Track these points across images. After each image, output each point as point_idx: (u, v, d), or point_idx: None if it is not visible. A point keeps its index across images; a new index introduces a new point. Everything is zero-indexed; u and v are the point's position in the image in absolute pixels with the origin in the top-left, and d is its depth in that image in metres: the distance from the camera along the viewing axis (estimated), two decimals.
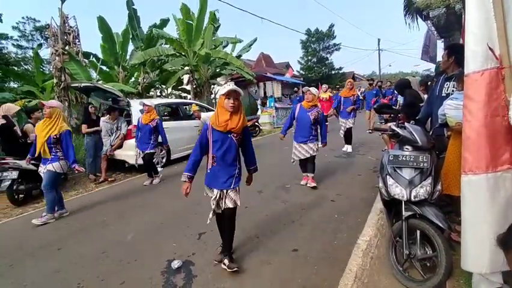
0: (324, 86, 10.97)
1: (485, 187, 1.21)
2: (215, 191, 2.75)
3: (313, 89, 5.13)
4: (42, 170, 4.37)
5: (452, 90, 3.04)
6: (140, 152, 6.07)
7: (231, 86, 2.59)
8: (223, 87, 2.61)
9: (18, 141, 5.61)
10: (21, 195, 5.48)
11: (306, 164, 5.16)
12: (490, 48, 1.13)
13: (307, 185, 5.12)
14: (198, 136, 9.34)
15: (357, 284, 2.53)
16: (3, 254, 3.55)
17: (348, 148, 7.91)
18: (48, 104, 4.37)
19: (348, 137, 7.93)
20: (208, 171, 2.80)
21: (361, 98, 11.43)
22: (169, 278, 2.83)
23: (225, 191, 2.72)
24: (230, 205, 2.72)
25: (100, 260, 3.28)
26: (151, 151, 6.09)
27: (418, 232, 2.46)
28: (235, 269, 2.75)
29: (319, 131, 5.09)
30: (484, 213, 1.20)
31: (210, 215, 2.81)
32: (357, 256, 2.95)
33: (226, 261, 2.83)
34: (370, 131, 9.14)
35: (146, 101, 6.16)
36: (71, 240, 3.80)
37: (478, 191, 1.22)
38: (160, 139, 6.25)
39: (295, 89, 14.28)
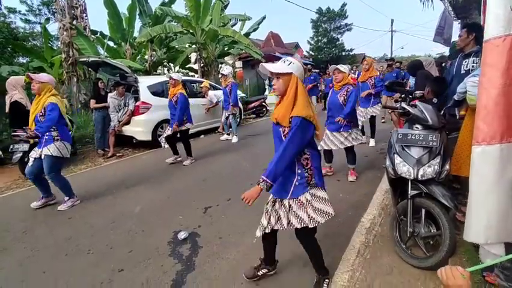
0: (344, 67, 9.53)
1: (498, 157, 1.19)
2: (270, 197, 2.12)
3: (342, 66, 4.25)
4: (36, 154, 3.80)
5: (473, 66, 2.96)
6: (169, 130, 5.69)
7: (260, 65, 1.98)
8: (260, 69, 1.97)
9: (27, 114, 5.66)
10: None
11: (331, 153, 4.60)
12: None
13: (349, 179, 4.45)
14: (205, 114, 9.23)
15: (359, 260, 2.57)
16: (16, 222, 3.68)
17: (370, 142, 6.43)
18: (37, 79, 3.78)
19: (371, 127, 6.40)
20: None
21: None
22: (175, 248, 2.92)
23: (285, 201, 2.03)
24: (285, 223, 2.02)
25: (109, 229, 3.38)
26: (183, 128, 5.72)
27: (423, 211, 2.46)
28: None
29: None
30: (493, 184, 1.19)
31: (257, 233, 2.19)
32: (360, 233, 2.98)
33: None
34: (384, 120, 8.51)
35: (173, 75, 5.67)
36: (81, 211, 3.91)
37: (490, 161, 1.20)
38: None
39: (309, 66, 13.76)
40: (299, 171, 1.96)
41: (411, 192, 2.47)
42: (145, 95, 7.13)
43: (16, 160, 5.22)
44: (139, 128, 7.02)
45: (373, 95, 6.17)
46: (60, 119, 3.84)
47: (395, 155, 2.60)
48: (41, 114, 3.74)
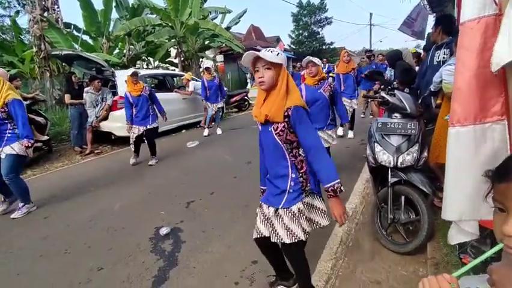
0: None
1: (471, 138, 1.21)
2: (263, 205, 1.87)
3: (316, 59, 3.85)
4: None
5: (443, 57, 3.03)
6: (140, 129, 5.28)
7: (247, 52, 1.66)
8: (244, 57, 1.65)
9: None
10: None
11: None
12: None
13: None
14: (187, 108, 9.09)
15: (342, 247, 2.60)
16: None
17: (349, 134, 6.53)
18: None
19: (351, 120, 6.29)
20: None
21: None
22: (157, 243, 2.85)
23: (279, 210, 1.76)
24: (280, 237, 1.72)
25: (87, 228, 3.27)
26: (154, 125, 5.40)
27: (403, 198, 2.52)
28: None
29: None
30: (468, 164, 1.22)
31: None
32: None
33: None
34: (363, 115, 8.51)
35: (136, 71, 5.35)
36: (57, 210, 3.76)
37: (464, 142, 1.23)
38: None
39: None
40: (293, 176, 1.71)
41: (391, 179, 2.51)
42: (123, 89, 6.90)
43: None
44: (117, 124, 6.81)
45: (356, 87, 6.35)
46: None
47: (375, 144, 2.63)
48: (2, 110, 3.43)
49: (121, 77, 7.02)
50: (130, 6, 12.52)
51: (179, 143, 6.73)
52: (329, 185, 1.61)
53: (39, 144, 5.89)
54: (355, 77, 6.32)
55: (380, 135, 2.64)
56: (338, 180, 1.61)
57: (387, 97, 2.70)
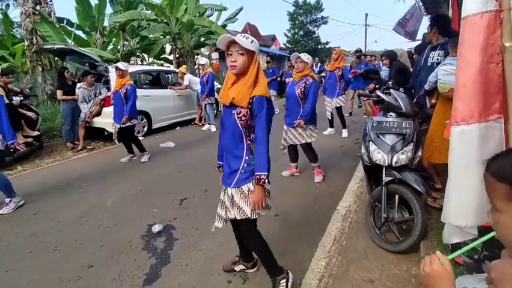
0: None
1: (476, 137, 1.19)
2: (223, 187, 1.99)
3: (306, 55, 3.86)
4: None
5: (437, 59, 3.04)
6: (116, 126, 5.11)
7: (223, 35, 1.75)
8: (219, 39, 1.73)
9: None
10: None
11: (296, 152, 4.24)
12: None
13: (315, 180, 4.07)
14: (181, 105, 9.00)
15: (336, 246, 2.60)
16: None
17: (343, 132, 6.46)
18: None
19: (340, 118, 6.44)
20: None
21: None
22: (149, 241, 2.82)
23: (228, 190, 1.90)
24: (233, 215, 1.88)
25: (78, 225, 3.21)
26: (128, 124, 5.07)
27: (397, 197, 2.52)
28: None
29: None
30: (473, 164, 1.19)
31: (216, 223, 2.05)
32: (336, 221, 3.02)
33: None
34: (349, 114, 8.45)
35: (121, 65, 5.04)
36: (48, 206, 3.69)
37: (469, 141, 1.21)
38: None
39: (267, 58, 13.01)
40: (247, 158, 1.83)
41: (385, 178, 2.52)
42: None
43: None
44: (110, 120, 6.70)
45: (339, 86, 6.27)
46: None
47: (370, 143, 2.63)
48: None
49: (114, 73, 6.94)
50: (125, 1, 12.36)
51: (174, 140, 6.67)
52: (256, 174, 1.77)
53: (30, 139, 5.80)
54: (340, 76, 6.26)
55: (375, 134, 2.64)
56: (266, 174, 1.75)
57: (383, 96, 2.70)
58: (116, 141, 5.37)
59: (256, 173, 1.78)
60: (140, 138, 6.92)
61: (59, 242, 2.86)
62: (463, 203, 1.25)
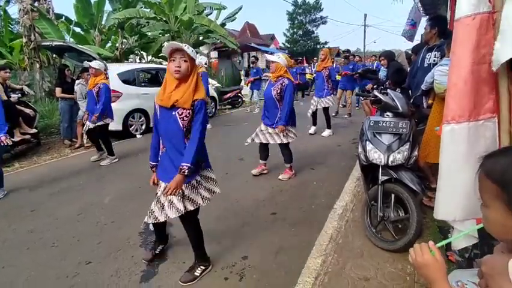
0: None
1: (465, 136, 1.22)
2: (162, 185, 2.13)
3: (278, 55, 3.90)
4: None
5: (434, 60, 3.06)
6: (89, 124, 4.95)
7: (170, 42, 1.96)
8: (165, 46, 1.93)
9: None
10: None
11: (267, 150, 4.23)
12: None
13: (280, 177, 4.12)
14: None
15: (332, 245, 2.62)
16: None
17: (325, 132, 6.51)
18: None
19: (326, 118, 6.51)
20: (159, 158, 2.23)
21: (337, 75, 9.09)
22: (146, 238, 2.83)
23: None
24: (171, 213, 2.05)
25: (75, 221, 3.22)
26: (99, 124, 4.92)
27: (393, 196, 2.55)
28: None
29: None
30: (461, 162, 1.22)
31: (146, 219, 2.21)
32: (333, 219, 3.04)
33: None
34: (335, 114, 8.32)
35: (94, 63, 4.96)
36: (46, 203, 3.69)
37: (459, 139, 1.23)
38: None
39: (252, 58, 13.00)
40: None
41: (381, 177, 2.54)
42: (115, 82, 6.81)
43: None
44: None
45: (327, 86, 6.29)
46: None
47: (367, 142, 2.66)
48: None
49: (113, 71, 6.94)
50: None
51: None
52: (181, 163, 1.93)
53: (27, 136, 5.78)
54: (327, 76, 6.28)
55: (372, 134, 2.67)
56: (188, 166, 1.92)
57: (380, 96, 2.73)
58: (84, 140, 5.54)
59: (181, 163, 1.94)
60: (138, 136, 6.95)
61: (57, 239, 2.87)
62: (452, 200, 1.28)
